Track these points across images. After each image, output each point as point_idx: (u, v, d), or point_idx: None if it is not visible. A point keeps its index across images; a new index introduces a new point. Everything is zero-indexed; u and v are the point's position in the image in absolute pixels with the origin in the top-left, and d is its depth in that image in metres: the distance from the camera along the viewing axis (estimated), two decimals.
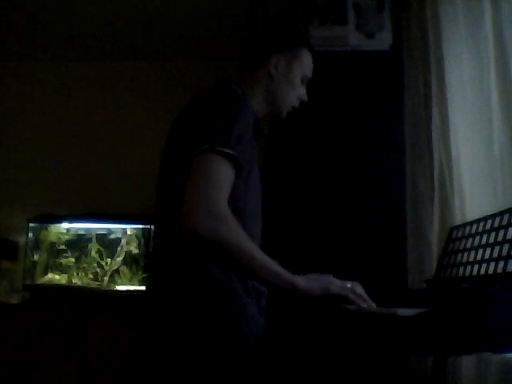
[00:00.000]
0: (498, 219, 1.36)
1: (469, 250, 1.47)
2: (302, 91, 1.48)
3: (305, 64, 1.47)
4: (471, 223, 1.53)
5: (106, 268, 3.20)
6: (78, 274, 3.20)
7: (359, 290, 1.24)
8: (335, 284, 1.23)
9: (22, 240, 3.34)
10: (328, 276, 1.25)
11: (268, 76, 1.42)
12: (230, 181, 1.18)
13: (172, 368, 1.18)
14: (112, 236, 3.25)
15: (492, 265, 1.29)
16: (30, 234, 3.24)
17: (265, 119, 1.52)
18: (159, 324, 1.23)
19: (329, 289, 1.21)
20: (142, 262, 3.16)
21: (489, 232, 1.38)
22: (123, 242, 3.23)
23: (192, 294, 1.20)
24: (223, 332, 1.19)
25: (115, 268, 3.20)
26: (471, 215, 1.65)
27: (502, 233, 1.31)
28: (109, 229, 3.26)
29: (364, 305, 1.22)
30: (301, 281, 1.19)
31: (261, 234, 1.36)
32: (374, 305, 1.23)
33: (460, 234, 1.58)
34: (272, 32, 1.50)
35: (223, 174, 1.16)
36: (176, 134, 1.33)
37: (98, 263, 3.21)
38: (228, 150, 1.16)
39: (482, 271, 1.34)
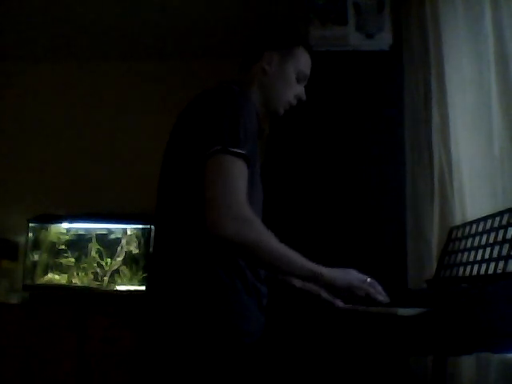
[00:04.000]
0: (497, 219, 1.36)
1: (469, 250, 1.47)
2: (298, 89, 1.48)
3: (299, 62, 1.46)
4: (471, 223, 1.53)
5: (106, 268, 3.20)
6: (78, 274, 3.20)
7: (377, 287, 1.27)
8: (356, 277, 1.26)
9: (22, 240, 3.34)
10: (350, 269, 1.28)
11: (262, 72, 1.43)
12: (246, 179, 1.20)
13: (173, 367, 1.18)
14: (112, 236, 3.25)
15: (492, 265, 1.29)
16: (30, 234, 3.24)
17: (265, 119, 1.52)
18: (160, 323, 1.23)
19: (352, 281, 1.25)
20: (142, 262, 3.16)
21: (489, 232, 1.38)
22: (123, 242, 3.23)
23: (192, 292, 1.20)
24: (224, 331, 1.19)
25: (115, 268, 3.19)
26: (471, 215, 1.65)
27: (501, 233, 1.31)
28: (109, 229, 3.25)
29: (382, 298, 1.24)
30: (326, 272, 1.22)
31: None
32: (388, 300, 1.26)
33: (460, 234, 1.59)
34: (267, 31, 1.52)
35: (240, 175, 1.18)
36: (179, 134, 1.32)
37: (98, 263, 3.20)
38: (240, 150, 1.18)
39: (482, 271, 1.34)
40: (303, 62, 1.48)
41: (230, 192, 1.14)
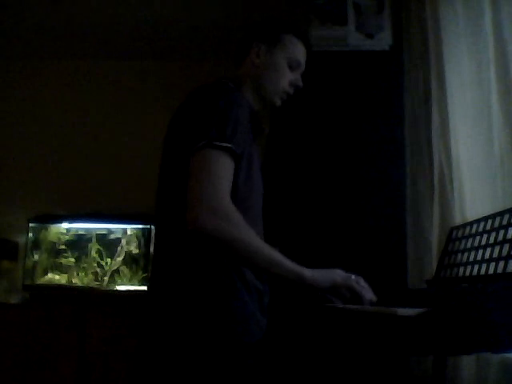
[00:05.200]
0: (498, 219, 1.35)
1: (469, 250, 1.47)
2: (292, 76, 1.46)
3: (289, 48, 1.44)
4: (471, 223, 1.53)
5: (106, 268, 3.20)
6: (77, 274, 3.20)
7: (363, 283, 1.27)
8: (340, 275, 1.25)
9: (22, 240, 3.34)
10: (334, 269, 1.27)
11: (252, 66, 1.43)
12: (231, 174, 1.19)
13: (173, 367, 1.18)
14: (112, 236, 3.25)
15: (492, 265, 1.29)
16: (30, 234, 3.24)
17: (265, 118, 1.51)
18: (160, 323, 1.23)
19: (335, 279, 1.24)
20: (142, 262, 3.16)
21: (489, 232, 1.38)
22: (123, 242, 3.23)
23: (192, 292, 1.20)
24: (224, 331, 1.19)
25: (115, 268, 3.20)
26: (471, 215, 1.65)
27: (502, 233, 1.31)
28: (109, 229, 3.26)
29: (369, 295, 1.24)
30: (308, 272, 1.20)
31: (263, 231, 1.36)
32: (375, 298, 1.25)
33: (460, 234, 1.58)
34: (255, 25, 1.51)
35: (223, 169, 1.17)
36: (172, 132, 1.33)
37: (98, 263, 3.21)
38: (225, 144, 1.17)
39: (482, 271, 1.33)
40: (293, 48, 1.45)
41: (211, 187, 1.13)
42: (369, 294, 1.25)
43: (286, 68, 1.44)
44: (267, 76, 1.43)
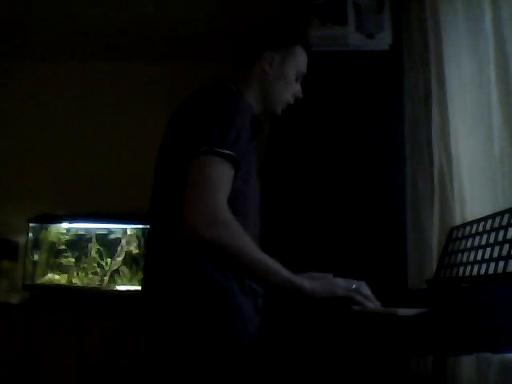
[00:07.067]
0: (498, 219, 1.36)
1: (469, 250, 1.47)
2: (296, 88, 1.47)
3: (299, 61, 1.45)
4: (471, 223, 1.53)
5: (106, 268, 3.20)
6: (77, 274, 3.20)
7: (365, 291, 1.24)
8: (341, 286, 1.22)
9: (22, 240, 3.34)
10: (331, 277, 1.25)
11: (262, 73, 1.42)
12: (230, 181, 1.17)
13: (168, 367, 1.18)
14: (112, 236, 3.25)
15: (492, 265, 1.29)
16: (30, 234, 3.24)
17: (265, 118, 1.51)
18: (155, 325, 1.22)
19: (335, 292, 1.21)
20: (142, 262, 3.16)
21: (489, 232, 1.38)
22: (123, 242, 3.23)
23: (188, 293, 1.20)
24: (219, 331, 1.18)
25: (115, 268, 3.20)
26: (471, 215, 1.65)
27: (502, 233, 1.31)
28: (109, 229, 3.26)
29: (370, 305, 1.21)
30: (307, 284, 1.18)
31: (259, 234, 1.36)
32: (379, 305, 1.23)
33: (460, 234, 1.58)
34: (266, 29, 1.49)
35: (223, 176, 1.16)
36: (172, 133, 1.32)
37: (98, 263, 3.21)
38: (226, 151, 1.16)
39: (482, 271, 1.33)
40: (301, 60, 1.46)
41: (209, 194, 1.12)
42: (372, 303, 1.22)
43: (294, 80, 1.45)
44: (276, 86, 1.43)
